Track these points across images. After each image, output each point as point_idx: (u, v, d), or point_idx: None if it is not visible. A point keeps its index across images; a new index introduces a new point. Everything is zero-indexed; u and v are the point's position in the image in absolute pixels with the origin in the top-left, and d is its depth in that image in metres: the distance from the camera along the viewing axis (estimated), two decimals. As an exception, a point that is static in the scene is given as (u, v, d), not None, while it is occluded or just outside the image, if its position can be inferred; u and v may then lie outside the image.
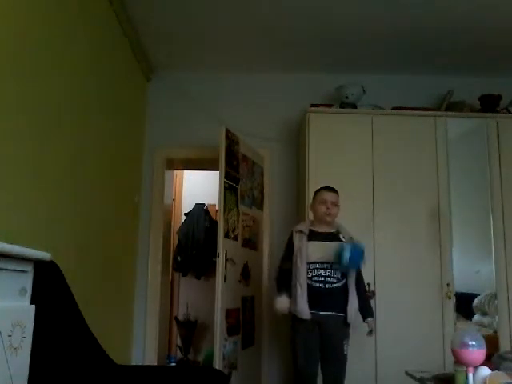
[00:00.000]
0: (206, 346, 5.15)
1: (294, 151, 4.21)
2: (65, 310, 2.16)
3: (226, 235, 3.40)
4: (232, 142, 3.62)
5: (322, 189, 2.98)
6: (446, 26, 3.50)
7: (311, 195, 3.15)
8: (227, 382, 2.89)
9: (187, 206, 5.61)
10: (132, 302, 3.97)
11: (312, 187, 3.39)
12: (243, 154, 3.79)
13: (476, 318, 3.64)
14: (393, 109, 3.85)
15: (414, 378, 2.39)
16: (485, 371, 2.02)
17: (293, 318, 2.83)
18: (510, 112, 3.87)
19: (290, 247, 2.93)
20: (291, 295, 2.81)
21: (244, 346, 3.62)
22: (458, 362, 2.02)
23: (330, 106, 3.90)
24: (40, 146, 2.25)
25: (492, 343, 3.09)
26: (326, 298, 2.78)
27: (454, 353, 2.02)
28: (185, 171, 5.61)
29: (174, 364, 5.13)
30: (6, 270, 1.35)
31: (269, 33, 3.67)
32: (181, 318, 5.37)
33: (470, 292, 3.66)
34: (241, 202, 3.68)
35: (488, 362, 2.11)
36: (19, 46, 2.04)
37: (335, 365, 2.78)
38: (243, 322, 3.64)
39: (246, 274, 3.69)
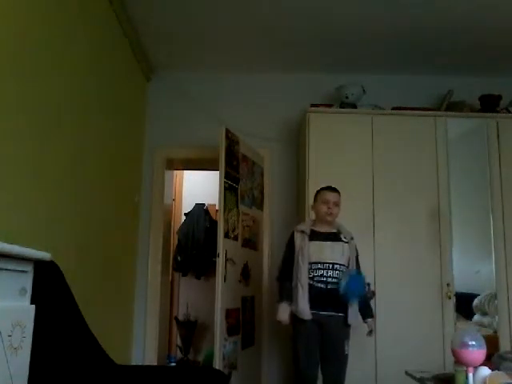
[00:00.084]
0: (206, 346, 5.15)
1: (294, 151, 4.21)
2: (65, 310, 2.16)
3: (226, 235, 3.40)
4: (232, 142, 3.62)
5: (324, 189, 2.97)
6: (446, 26, 3.50)
7: (311, 195, 3.15)
8: (227, 382, 2.89)
9: (187, 206, 5.61)
10: (132, 302, 3.97)
11: (312, 187, 3.39)
12: (243, 154, 3.79)
13: (476, 317, 3.64)
14: (393, 109, 3.85)
15: (414, 378, 2.39)
16: (485, 371, 2.02)
17: (294, 318, 2.83)
18: (510, 112, 3.86)
19: (291, 247, 2.92)
20: (292, 300, 2.81)
21: (244, 346, 3.62)
22: (458, 361, 2.02)
23: (329, 105, 3.90)
24: (40, 146, 2.25)
25: (492, 343, 3.09)
26: (328, 298, 2.77)
27: (454, 353, 2.02)
28: (185, 171, 5.62)
29: (174, 364, 5.13)
30: (6, 269, 1.35)
31: (269, 33, 3.67)
32: (181, 318, 5.37)
33: (470, 292, 3.66)
34: (241, 202, 3.68)
35: (488, 362, 2.11)
36: (19, 46, 2.04)
37: (335, 365, 2.78)
38: (243, 322, 3.64)
39: (246, 274, 3.69)
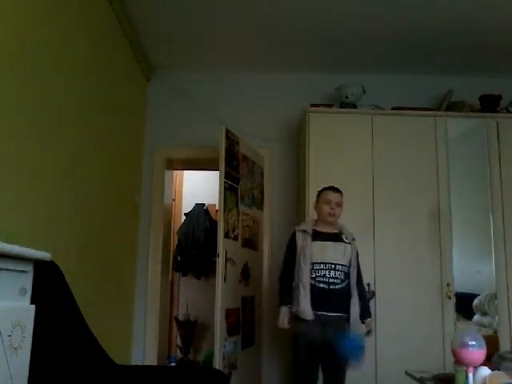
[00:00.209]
0: (206, 346, 5.15)
1: (294, 151, 4.21)
2: (65, 310, 2.16)
3: (226, 235, 3.40)
4: (232, 142, 3.62)
5: (326, 189, 2.95)
6: (446, 26, 3.50)
7: (311, 195, 3.15)
8: (227, 382, 2.89)
9: (187, 206, 5.61)
10: (132, 302, 3.97)
11: (312, 187, 3.40)
12: (243, 154, 3.79)
13: (476, 318, 3.64)
14: (393, 109, 3.85)
15: (413, 378, 2.39)
16: (485, 371, 2.02)
17: (295, 318, 2.81)
18: (510, 112, 3.87)
19: (292, 247, 2.90)
20: (292, 302, 2.81)
21: (244, 345, 3.62)
22: (458, 362, 2.02)
23: (329, 106, 3.90)
24: (40, 146, 2.25)
25: (492, 343, 3.09)
26: (329, 299, 2.76)
27: (454, 353, 2.02)
28: (185, 171, 5.62)
29: (174, 364, 5.13)
30: (6, 269, 1.35)
31: (269, 33, 3.67)
32: (181, 318, 5.37)
33: (470, 292, 3.66)
34: (241, 202, 3.68)
35: (488, 362, 2.10)
36: (19, 46, 2.04)
37: (336, 365, 2.78)
38: (243, 321, 3.64)
39: (246, 274, 3.69)
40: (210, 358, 3.62)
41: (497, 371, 2.07)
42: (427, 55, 3.93)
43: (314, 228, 2.91)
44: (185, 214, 5.56)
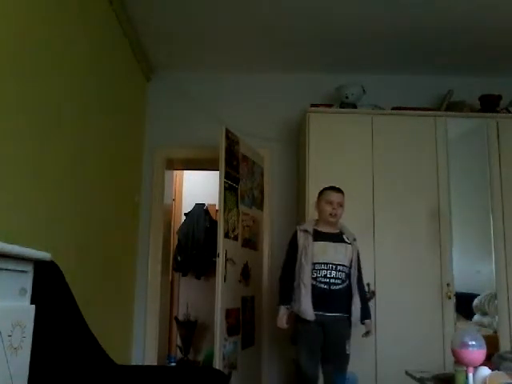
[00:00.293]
0: (206, 346, 5.15)
1: (294, 151, 4.21)
2: (65, 310, 2.16)
3: (226, 235, 3.40)
4: (232, 142, 3.62)
5: (327, 189, 2.94)
6: (446, 26, 3.50)
7: (311, 195, 3.15)
8: (227, 382, 2.89)
9: (187, 206, 5.61)
10: (132, 302, 3.97)
11: (312, 187, 3.40)
12: (243, 154, 3.79)
13: (476, 318, 3.64)
14: (393, 109, 3.85)
15: (413, 378, 2.39)
16: (485, 371, 2.02)
17: (296, 318, 2.82)
18: (510, 112, 3.86)
19: (293, 246, 2.90)
20: (291, 302, 2.81)
21: (244, 345, 3.62)
22: (458, 362, 2.02)
23: (329, 106, 3.90)
24: (40, 146, 2.25)
25: (492, 343, 3.09)
26: (331, 299, 2.76)
27: (454, 353, 2.02)
28: (185, 171, 5.62)
29: (174, 364, 5.13)
30: (6, 269, 1.35)
31: (269, 33, 3.67)
32: (181, 318, 5.37)
33: (470, 292, 3.66)
34: (241, 202, 3.68)
35: (488, 362, 2.11)
36: (19, 46, 2.04)
37: (337, 365, 2.78)
38: (243, 322, 3.64)
39: (246, 274, 3.69)
40: (210, 357, 3.62)
41: (497, 371, 2.07)
42: (427, 55, 3.93)
43: (316, 228, 2.90)
44: (185, 214, 5.56)
